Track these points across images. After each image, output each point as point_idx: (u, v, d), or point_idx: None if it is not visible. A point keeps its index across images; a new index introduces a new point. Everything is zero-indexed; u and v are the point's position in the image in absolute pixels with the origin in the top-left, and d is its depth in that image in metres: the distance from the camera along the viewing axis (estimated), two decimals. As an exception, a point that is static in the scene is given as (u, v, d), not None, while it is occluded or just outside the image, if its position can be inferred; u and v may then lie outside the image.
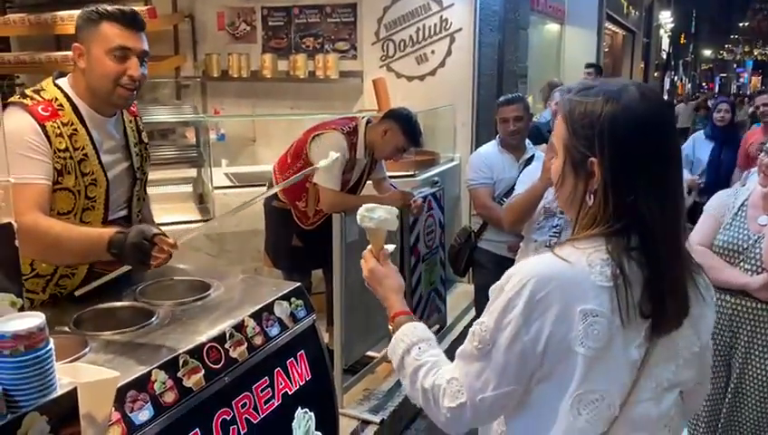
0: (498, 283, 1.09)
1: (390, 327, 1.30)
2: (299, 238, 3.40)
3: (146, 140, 2.11)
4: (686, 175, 4.73)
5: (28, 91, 1.86)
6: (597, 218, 1.06)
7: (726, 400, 2.42)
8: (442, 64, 5.01)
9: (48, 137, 1.78)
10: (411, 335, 1.23)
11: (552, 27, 8.39)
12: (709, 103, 11.79)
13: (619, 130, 1.04)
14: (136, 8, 5.62)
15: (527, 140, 3.46)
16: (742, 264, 2.36)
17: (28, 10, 6.08)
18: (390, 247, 1.40)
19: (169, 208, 3.97)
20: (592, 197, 1.07)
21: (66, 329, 1.68)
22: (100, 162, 1.89)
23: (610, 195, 1.04)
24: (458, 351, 1.14)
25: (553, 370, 1.05)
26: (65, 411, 1.05)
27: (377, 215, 1.36)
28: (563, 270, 1.04)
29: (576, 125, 1.08)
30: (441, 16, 4.95)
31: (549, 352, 1.03)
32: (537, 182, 2.64)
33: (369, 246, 1.40)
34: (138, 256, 1.61)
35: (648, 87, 1.11)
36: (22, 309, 1.15)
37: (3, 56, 6.07)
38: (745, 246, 2.35)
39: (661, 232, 1.04)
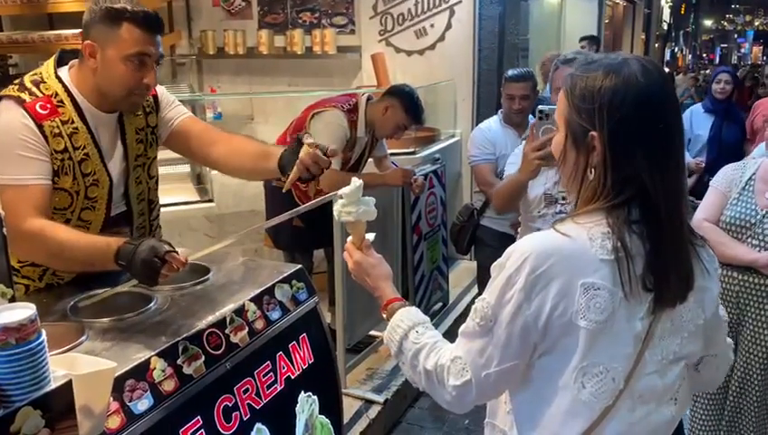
0: (499, 259, 1.10)
1: (384, 315, 1.30)
2: (300, 219, 3.35)
3: (153, 123, 1.94)
4: (686, 157, 4.55)
5: (27, 82, 1.73)
6: (597, 192, 1.07)
7: (734, 377, 2.40)
8: (442, 38, 4.92)
9: (45, 137, 1.67)
10: (407, 320, 1.23)
11: (553, -1, 8.26)
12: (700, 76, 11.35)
13: (618, 103, 1.04)
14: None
15: (530, 116, 3.40)
16: (749, 240, 2.32)
17: (19, -12, 5.96)
18: (371, 236, 1.39)
19: (167, 189, 3.90)
20: (593, 171, 1.07)
21: (62, 316, 1.65)
22: (102, 162, 1.80)
23: (610, 168, 1.05)
24: (461, 328, 1.15)
25: (556, 343, 1.06)
26: (60, 405, 1.03)
27: (355, 209, 1.34)
28: (563, 245, 1.04)
29: (576, 99, 1.08)
30: (440, -11, 4.85)
31: (551, 326, 1.04)
32: (518, 174, 2.40)
33: (350, 238, 1.38)
34: (146, 273, 1.52)
35: (649, 61, 1.11)
36: (13, 299, 1.11)
37: (-6, 36, 5.97)
38: (753, 222, 2.30)
39: (663, 204, 1.05)
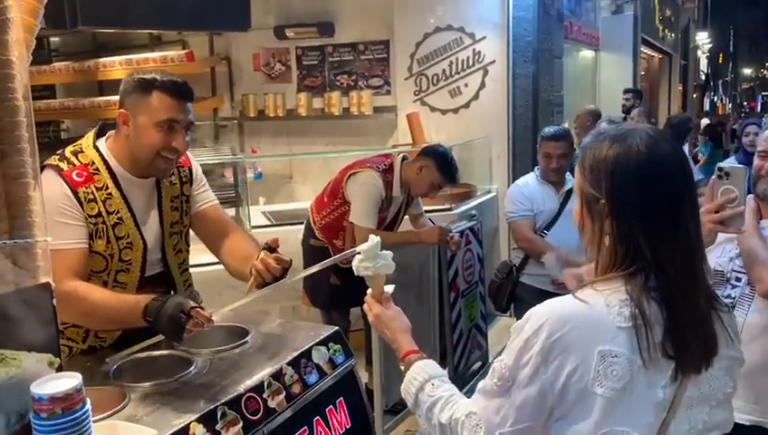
0: (519, 322, 1.12)
1: (402, 367, 1.34)
2: (337, 276, 3.38)
3: (188, 193, 2.04)
4: None
5: (68, 152, 1.86)
6: (611, 259, 1.09)
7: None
8: (476, 97, 5.01)
9: (80, 202, 1.78)
10: (423, 373, 1.27)
11: (587, 54, 8.34)
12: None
13: (620, 171, 1.08)
14: (174, 53, 5.71)
15: (567, 173, 3.40)
16: None
17: (72, 58, 6.31)
18: (390, 289, 1.44)
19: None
20: (607, 238, 1.10)
21: (105, 378, 1.68)
22: (137, 226, 1.88)
23: (618, 235, 1.08)
24: (479, 386, 1.16)
25: (572, 408, 1.06)
26: (102, 474, 1.04)
27: (372, 263, 1.39)
28: (581, 311, 1.06)
29: (587, 170, 1.13)
30: (474, 49, 4.95)
31: (567, 391, 1.05)
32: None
33: (369, 291, 1.43)
34: (173, 329, 1.58)
35: (658, 131, 1.14)
36: (60, 368, 1.15)
37: (49, 103, 6.29)
38: None
39: (675, 272, 1.06)
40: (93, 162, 1.84)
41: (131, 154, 1.85)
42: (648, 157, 1.07)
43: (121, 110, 1.83)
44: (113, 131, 1.91)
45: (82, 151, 1.86)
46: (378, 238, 1.40)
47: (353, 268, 1.42)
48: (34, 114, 1.20)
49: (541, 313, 1.08)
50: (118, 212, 1.84)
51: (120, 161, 1.87)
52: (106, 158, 1.86)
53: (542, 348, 1.05)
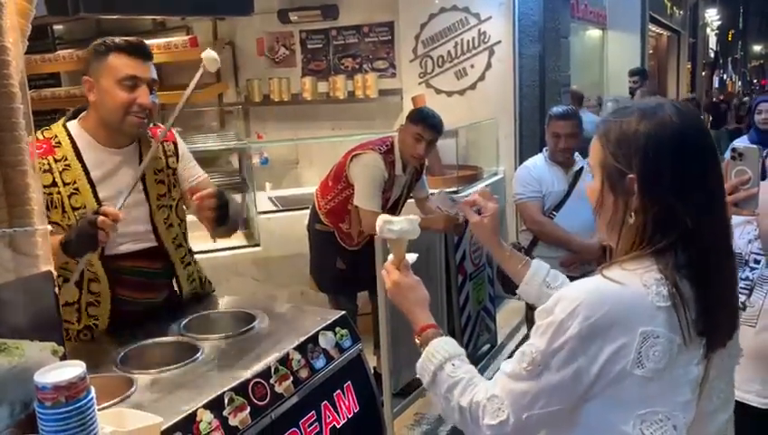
0: (546, 305, 1.08)
1: (417, 341, 1.30)
2: (343, 260, 3.38)
3: (174, 166, 2.07)
4: None
5: (39, 132, 1.90)
6: (638, 237, 1.06)
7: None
8: (482, 78, 4.95)
9: None
10: (443, 351, 1.24)
11: (594, 33, 8.24)
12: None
13: (654, 145, 1.05)
14: (177, 38, 5.66)
15: (576, 154, 3.37)
16: None
17: (76, 45, 6.27)
18: (412, 257, 1.37)
19: (215, 235, 4.00)
20: (633, 215, 1.07)
21: (112, 365, 1.68)
22: (96, 197, 1.89)
23: (651, 211, 1.05)
24: (502, 367, 1.14)
25: (607, 389, 1.04)
26: (108, 462, 1.04)
27: (397, 227, 1.33)
28: (617, 292, 1.03)
29: (612, 145, 1.09)
30: (479, 30, 4.89)
31: (605, 373, 1.03)
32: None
33: (390, 256, 1.36)
34: (85, 239, 1.64)
35: (683, 104, 1.13)
36: (64, 357, 1.14)
37: (54, 91, 6.26)
38: None
39: (710, 246, 1.04)
40: (56, 136, 1.90)
41: (102, 120, 1.89)
42: (681, 128, 1.06)
43: (85, 77, 1.89)
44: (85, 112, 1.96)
45: (49, 129, 1.93)
46: (417, 218, 1.34)
47: (377, 228, 1.35)
48: (41, 103, 1.19)
49: (573, 295, 1.05)
50: (75, 183, 1.88)
51: (94, 134, 1.91)
52: (71, 133, 1.91)
53: (580, 331, 1.02)
